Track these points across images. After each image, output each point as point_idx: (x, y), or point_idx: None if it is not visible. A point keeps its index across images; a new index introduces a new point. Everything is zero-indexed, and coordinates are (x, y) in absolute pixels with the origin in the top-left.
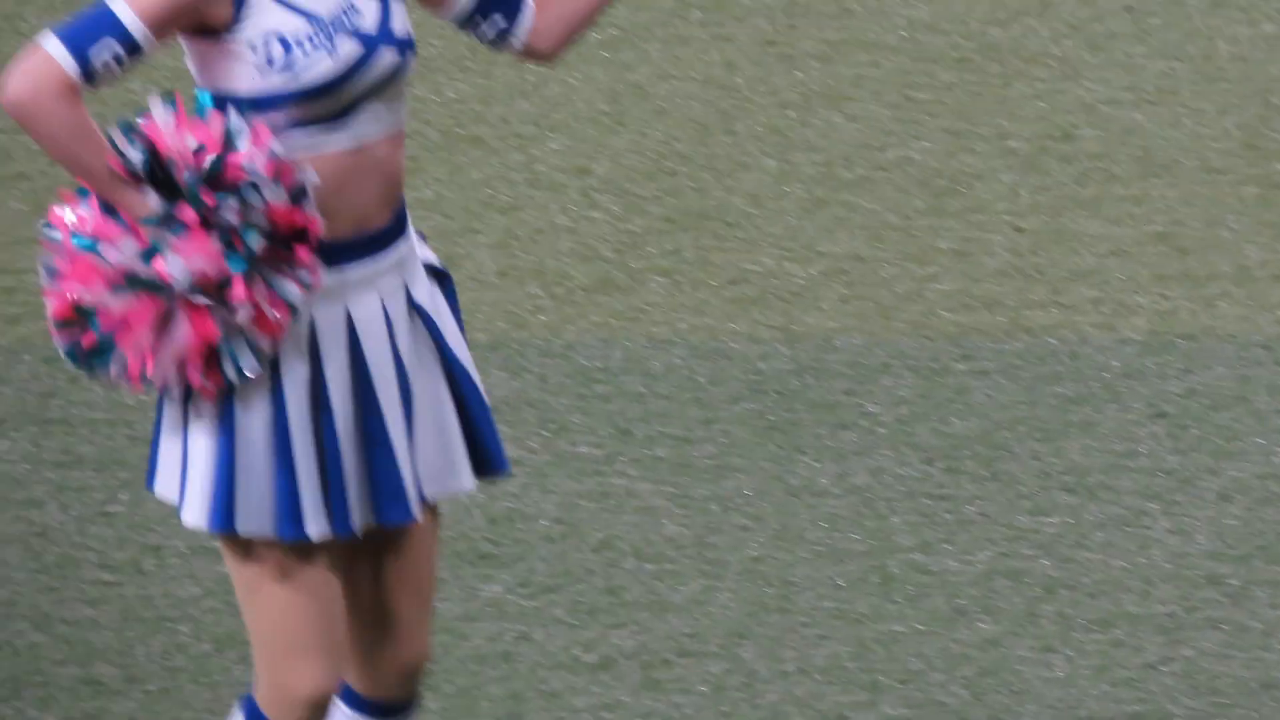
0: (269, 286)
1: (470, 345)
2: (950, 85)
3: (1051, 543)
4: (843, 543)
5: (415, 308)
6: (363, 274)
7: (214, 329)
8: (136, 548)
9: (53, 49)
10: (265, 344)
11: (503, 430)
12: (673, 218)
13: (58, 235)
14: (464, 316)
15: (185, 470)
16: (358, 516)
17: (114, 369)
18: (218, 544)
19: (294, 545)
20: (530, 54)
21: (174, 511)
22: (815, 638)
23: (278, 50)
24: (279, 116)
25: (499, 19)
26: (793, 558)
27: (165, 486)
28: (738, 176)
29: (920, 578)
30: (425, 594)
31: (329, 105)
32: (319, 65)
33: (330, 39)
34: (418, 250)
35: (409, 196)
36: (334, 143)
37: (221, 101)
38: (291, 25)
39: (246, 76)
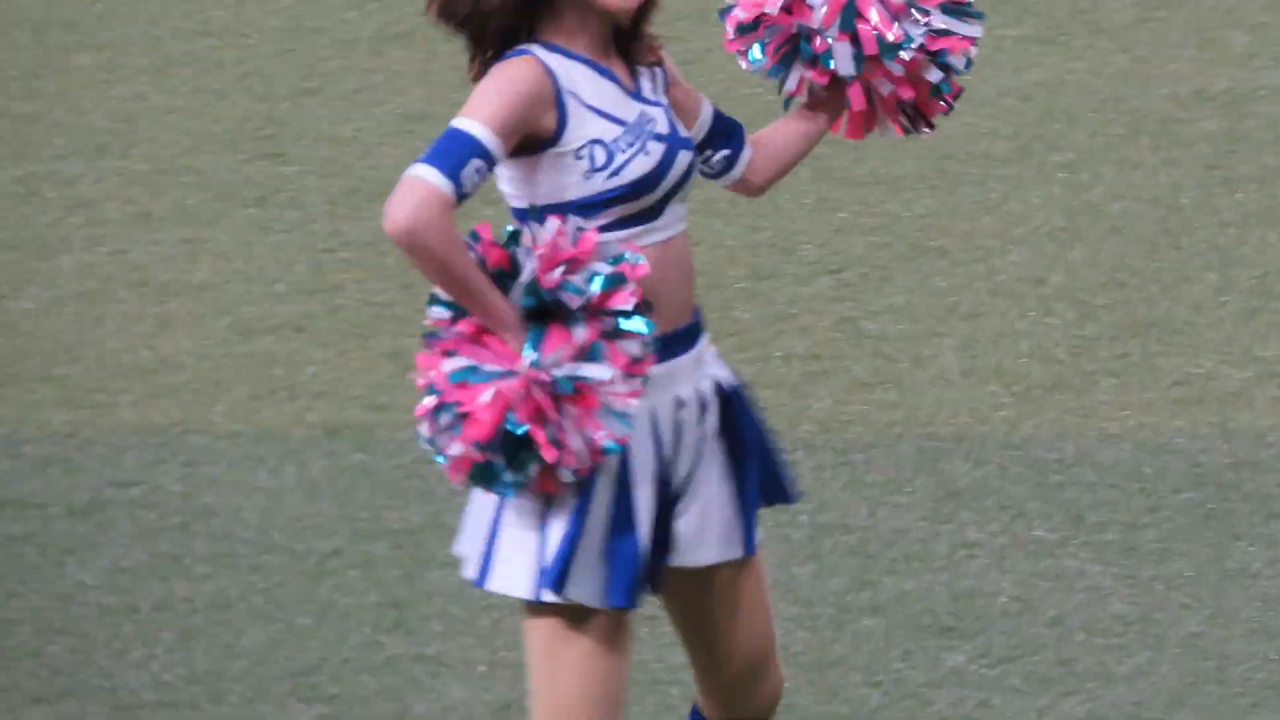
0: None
1: (936, 438)
2: None
3: None
4: (1274, 621)
5: (702, 401)
6: (669, 369)
7: (597, 402)
8: (638, 616)
9: (428, 175)
10: (632, 409)
11: (964, 516)
12: (1122, 324)
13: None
14: (930, 411)
15: (534, 552)
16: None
17: (534, 470)
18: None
19: (608, 613)
20: (744, 187)
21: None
22: (1248, 706)
23: (600, 154)
24: (603, 218)
25: (725, 151)
26: (1228, 634)
27: (507, 578)
28: (1181, 288)
29: None
30: (759, 636)
31: (645, 202)
32: (637, 164)
33: (641, 141)
34: (710, 362)
35: (883, 302)
36: (647, 239)
37: (542, 213)
38: (608, 131)
39: (573, 184)
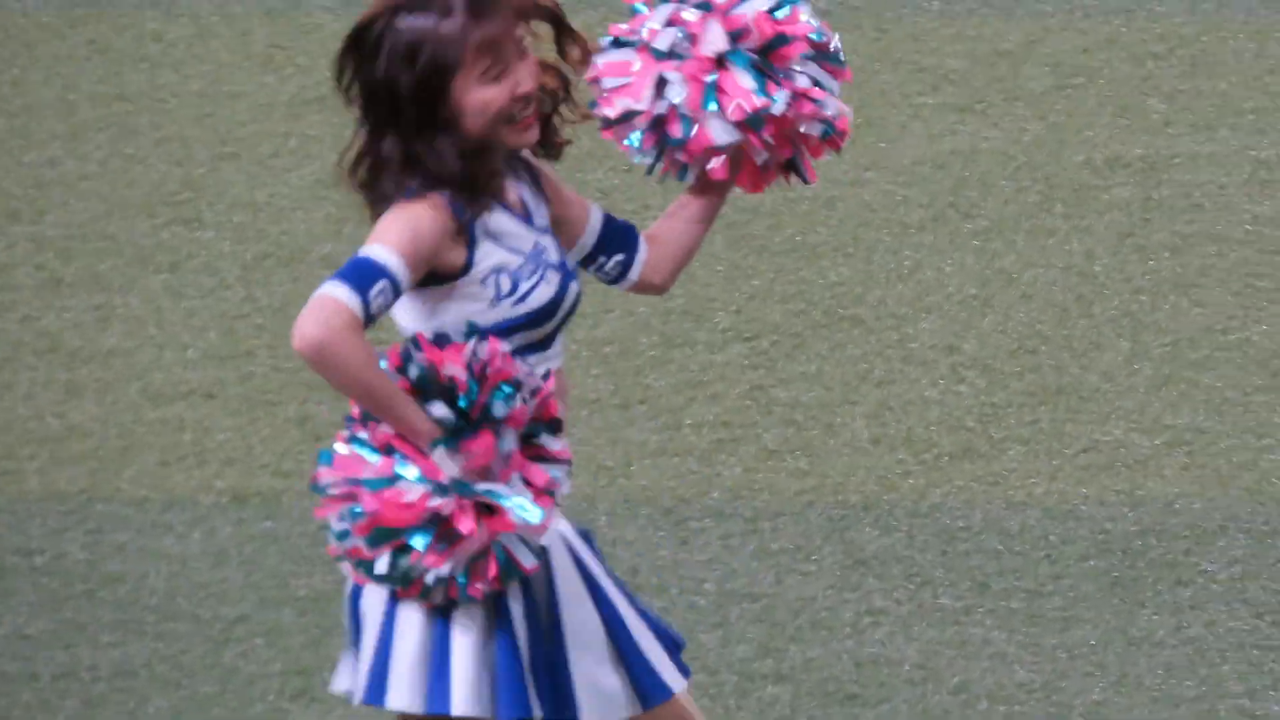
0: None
1: (844, 505)
2: None
3: None
4: (1178, 689)
5: (572, 538)
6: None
7: (506, 524)
8: None
9: (337, 293)
10: (538, 536)
11: (870, 583)
12: (1032, 392)
13: (334, 480)
14: (840, 479)
15: (433, 666)
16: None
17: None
18: None
19: None
20: (644, 288)
21: None
22: None
23: (505, 283)
24: (509, 345)
25: (619, 257)
26: (1131, 702)
27: (402, 693)
28: (1093, 355)
29: None
30: None
31: (544, 330)
32: (540, 292)
33: (541, 269)
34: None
35: (796, 370)
36: (540, 369)
37: (445, 340)
38: (511, 261)
39: (478, 311)
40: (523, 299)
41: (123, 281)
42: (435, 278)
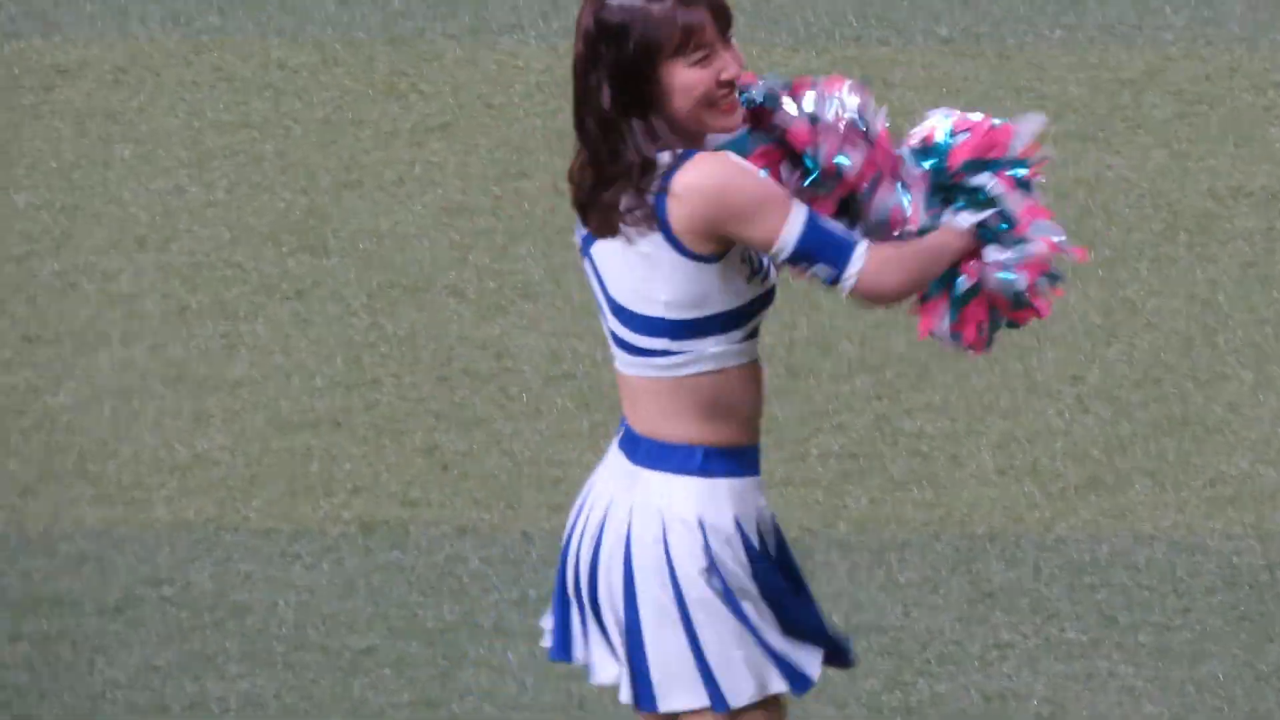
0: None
1: (971, 537)
2: None
3: None
4: None
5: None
6: (762, 482)
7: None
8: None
9: (862, 247)
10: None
11: (997, 616)
12: (1158, 423)
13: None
14: (966, 511)
15: (703, 666)
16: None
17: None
18: None
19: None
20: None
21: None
22: None
23: (755, 260)
24: (747, 328)
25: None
26: None
27: (680, 694)
28: (1217, 386)
29: None
30: None
31: (767, 311)
32: (771, 273)
33: (766, 265)
34: None
35: (921, 400)
36: (748, 354)
37: (702, 325)
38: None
39: (736, 291)
40: (766, 277)
41: (249, 309)
42: (711, 253)
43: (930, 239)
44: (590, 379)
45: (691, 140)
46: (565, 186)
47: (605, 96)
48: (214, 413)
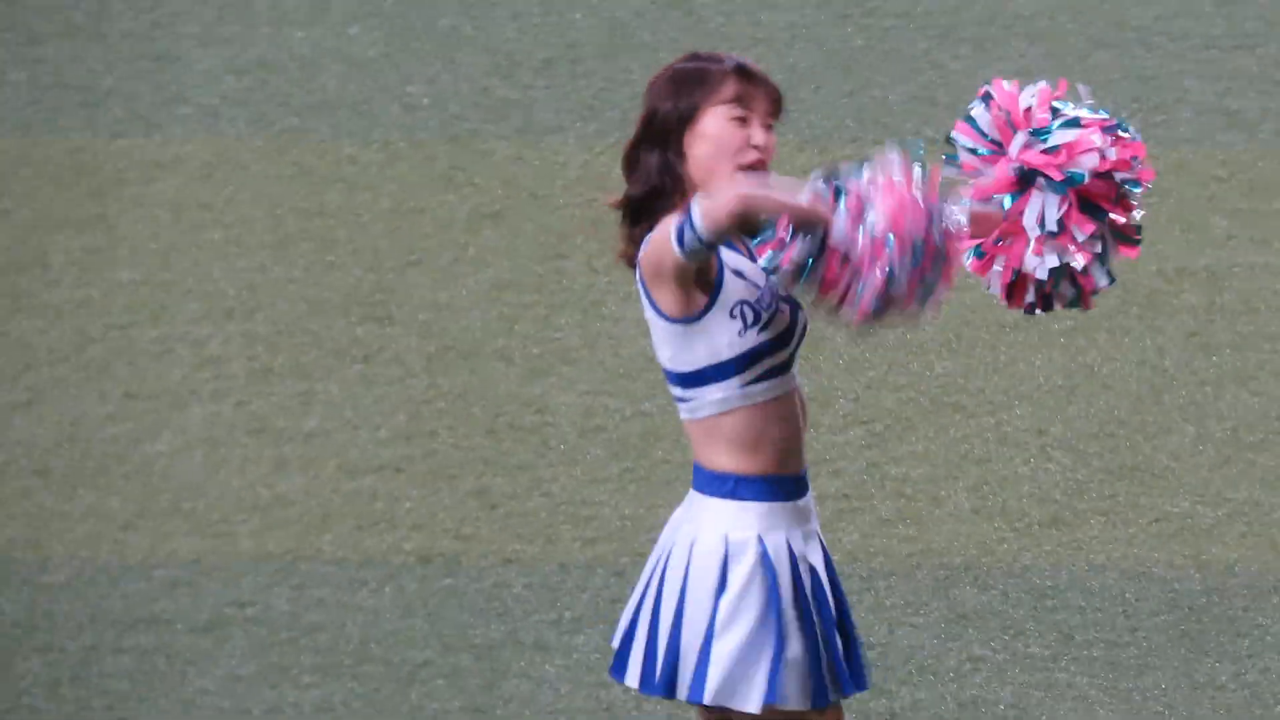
0: None
1: (948, 567)
2: None
3: None
4: None
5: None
6: (800, 507)
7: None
8: None
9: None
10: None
11: (970, 634)
12: (1111, 469)
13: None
14: (944, 544)
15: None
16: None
17: None
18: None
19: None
20: None
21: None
22: None
23: (749, 313)
24: (755, 371)
25: None
26: None
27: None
28: (1163, 438)
29: None
30: None
31: (783, 355)
32: (778, 320)
33: (774, 300)
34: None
35: (906, 449)
36: (783, 389)
37: (700, 376)
38: (750, 292)
39: (728, 343)
40: (766, 327)
41: (323, 371)
42: (687, 311)
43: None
44: (619, 431)
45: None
46: (599, 265)
47: (642, 127)
48: (291, 460)
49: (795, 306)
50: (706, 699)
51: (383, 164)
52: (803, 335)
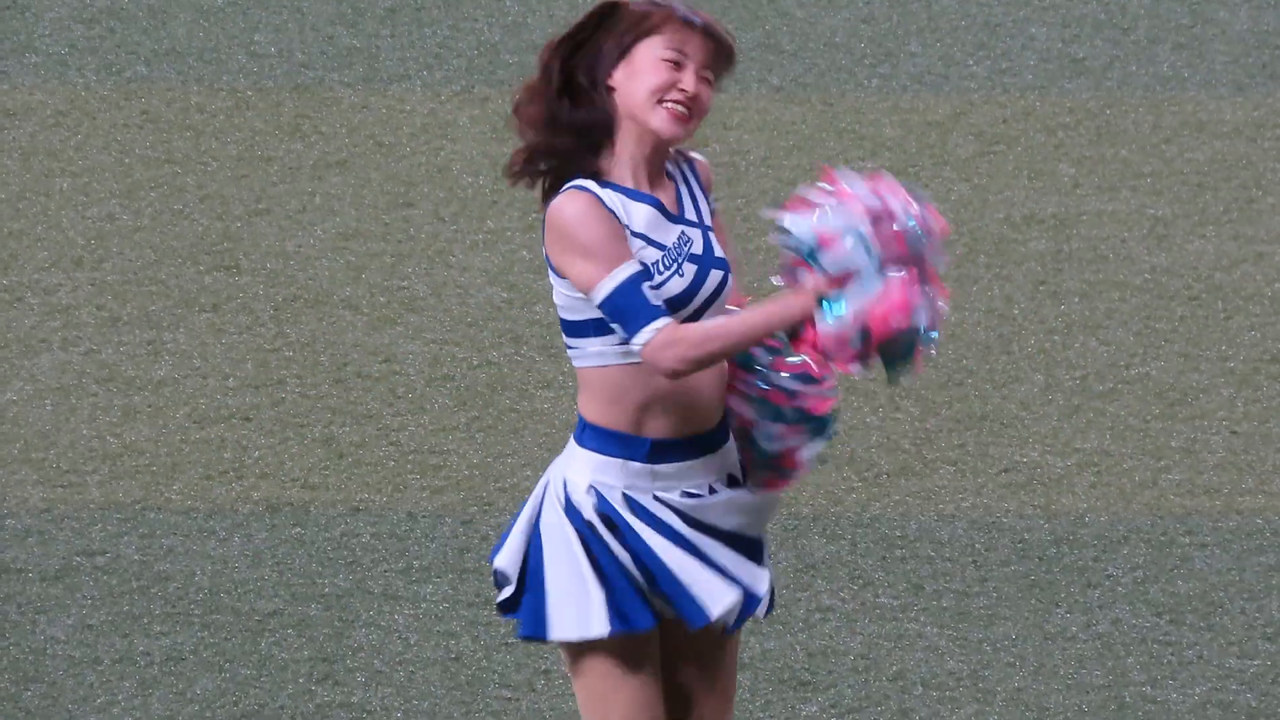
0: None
1: (797, 517)
2: (1183, 318)
3: (1255, 680)
4: (1088, 679)
5: (731, 485)
6: (697, 464)
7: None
8: (530, 670)
9: (648, 332)
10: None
11: (819, 584)
12: (960, 419)
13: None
14: (792, 494)
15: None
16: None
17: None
18: (565, 665)
19: (626, 644)
20: None
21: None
22: None
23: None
24: (618, 335)
25: None
26: (1048, 689)
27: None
28: (1012, 387)
29: (1148, 706)
30: (728, 697)
31: (681, 316)
32: (673, 284)
33: (679, 262)
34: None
35: None
36: None
37: (583, 328)
38: (650, 254)
39: (674, 281)
40: (657, 288)
41: (171, 320)
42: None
43: (733, 325)
44: (467, 380)
45: (616, 130)
46: (446, 214)
47: (561, 71)
48: (140, 409)
49: (709, 265)
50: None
51: (230, 111)
52: (714, 295)
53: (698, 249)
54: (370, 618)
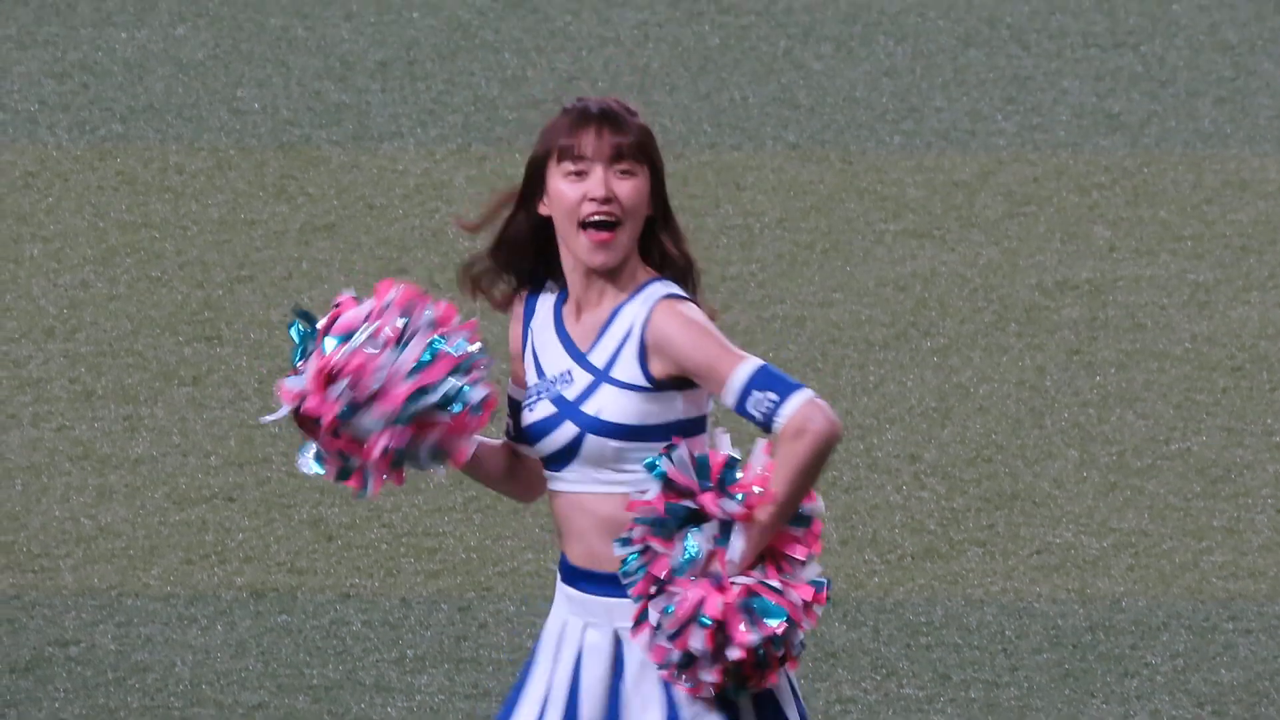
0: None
1: None
2: (1226, 389)
3: None
4: None
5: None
6: (591, 603)
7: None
8: None
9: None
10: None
11: (840, 674)
12: (989, 497)
13: None
14: None
15: None
16: None
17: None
18: None
19: None
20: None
21: None
22: None
23: (514, 403)
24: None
25: None
26: None
27: None
28: (1044, 464)
29: None
30: None
31: (532, 452)
32: (524, 415)
33: (537, 398)
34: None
35: None
36: (554, 483)
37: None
38: (531, 378)
39: (525, 414)
40: (526, 416)
41: (149, 394)
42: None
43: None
44: None
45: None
46: (441, 280)
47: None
48: (116, 488)
49: (566, 416)
50: None
51: (211, 172)
52: (564, 449)
53: (570, 394)
54: (362, 711)
